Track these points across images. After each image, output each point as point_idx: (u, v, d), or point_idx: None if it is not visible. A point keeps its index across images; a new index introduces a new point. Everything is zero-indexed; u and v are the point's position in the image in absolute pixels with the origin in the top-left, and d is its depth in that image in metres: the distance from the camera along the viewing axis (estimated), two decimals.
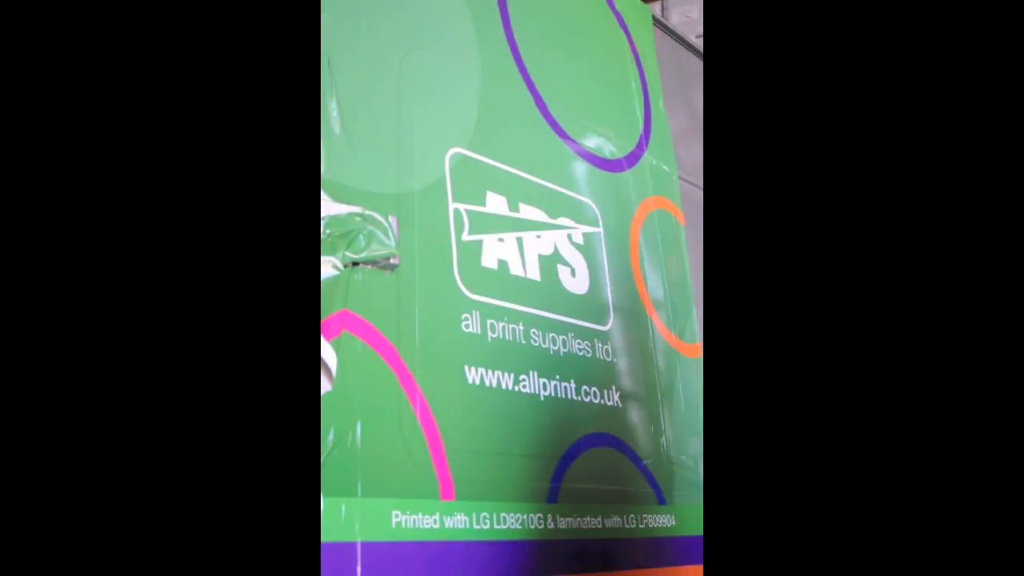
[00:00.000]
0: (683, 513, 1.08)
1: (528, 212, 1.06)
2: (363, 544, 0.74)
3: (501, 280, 0.99)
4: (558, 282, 1.06)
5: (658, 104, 1.40)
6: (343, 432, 0.76)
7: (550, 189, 1.11)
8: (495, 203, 1.02)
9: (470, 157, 1.02)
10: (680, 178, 1.38)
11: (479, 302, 0.95)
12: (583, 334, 1.06)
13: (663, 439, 1.12)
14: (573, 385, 1.01)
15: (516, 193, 1.06)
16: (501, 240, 1.01)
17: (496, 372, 0.93)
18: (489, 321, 0.95)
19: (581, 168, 1.18)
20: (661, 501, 1.06)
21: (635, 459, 1.05)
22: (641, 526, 1.01)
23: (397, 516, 0.77)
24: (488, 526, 0.85)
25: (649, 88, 1.39)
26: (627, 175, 1.26)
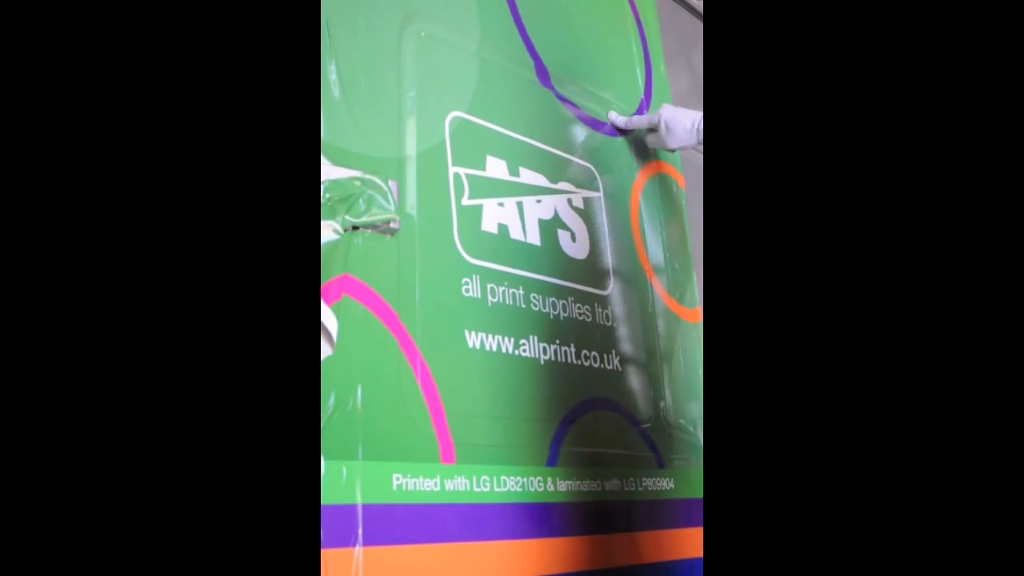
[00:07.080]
0: (682, 476, 1.09)
1: (528, 176, 1.05)
2: (364, 507, 0.74)
3: (501, 244, 0.99)
4: (558, 246, 1.06)
5: (659, 67, 1.39)
6: (344, 396, 0.76)
7: (550, 153, 1.10)
8: (495, 167, 1.02)
9: (470, 121, 1.01)
10: None
11: (479, 266, 0.95)
12: (583, 298, 1.06)
13: (662, 403, 1.12)
14: (573, 349, 1.02)
15: (516, 157, 1.05)
16: (501, 204, 1.01)
17: (496, 336, 0.93)
18: (489, 285, 0.95)
19: (582, 132, 1.18)
20: (660, 464, 1.07)
21: (634, 423, 1.06)
22: (640, 489, 1.02)
23: (398, 479, 0.78)
24: (488, 489, 0.85)
25: (650, 51, 1.38)
26: (628, 139, 1.25)
